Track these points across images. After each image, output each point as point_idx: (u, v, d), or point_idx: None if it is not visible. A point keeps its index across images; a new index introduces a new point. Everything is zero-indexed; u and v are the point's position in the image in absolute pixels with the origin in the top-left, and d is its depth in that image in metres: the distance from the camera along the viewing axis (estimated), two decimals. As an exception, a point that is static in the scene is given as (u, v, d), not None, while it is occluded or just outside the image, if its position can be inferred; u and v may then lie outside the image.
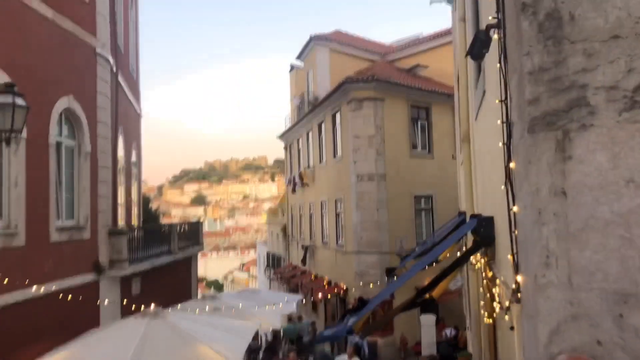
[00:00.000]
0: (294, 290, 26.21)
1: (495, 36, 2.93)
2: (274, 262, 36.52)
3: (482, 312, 5.74)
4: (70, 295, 9.24)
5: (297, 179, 28.05)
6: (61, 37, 10.27)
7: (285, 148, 33.45)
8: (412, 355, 17.86)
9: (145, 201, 25.53)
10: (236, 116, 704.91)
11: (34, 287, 8.35)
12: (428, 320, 15.98)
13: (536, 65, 2.25)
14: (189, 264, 18.38)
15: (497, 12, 2.91)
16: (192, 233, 18.82)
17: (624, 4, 2.11)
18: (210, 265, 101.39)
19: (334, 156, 22.51)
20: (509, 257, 2.91)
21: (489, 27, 2.95)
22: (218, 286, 76.97)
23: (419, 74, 23.82)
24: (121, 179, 14.35)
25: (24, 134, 8.50)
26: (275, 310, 12.40)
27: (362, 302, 9.36)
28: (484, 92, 4.59)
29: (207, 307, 10.64)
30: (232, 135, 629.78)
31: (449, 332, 16.94)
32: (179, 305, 11.67)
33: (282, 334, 18.33)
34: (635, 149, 2.07)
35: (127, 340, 7.33)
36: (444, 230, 11.26)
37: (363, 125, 19.92)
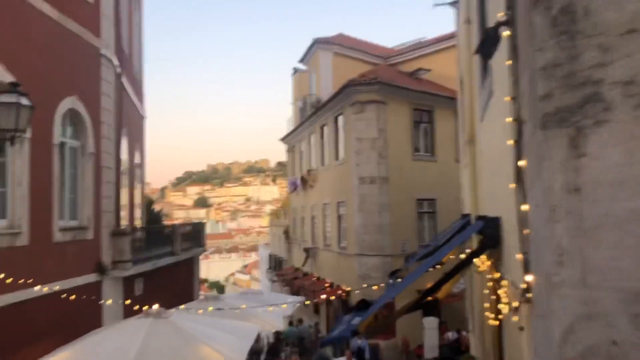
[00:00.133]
0: (295, 292, 26.15)
1: (505, 33, 2.89)
2: (276, 264, 36.47)
3: (487, 314, 5.70)
4: (72, 295, 9.22)
5: (299, 182, 28.02)
6: (66, 38, 10.27)
7: (288, 151, 33.44)
8: (414, 358, 17.79)
9: (148, 203, 25.50)
10: (239, 119, 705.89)
11: (37, 287, 8.34)
12: (431, 323, 15.95)
13: (549, 60, 2.22)
14: (191, 265, 18.36)
15: (508, 8, 2.89)
16: (195, 234, 18.80)
17: (640, -2, 2.08)
18: (212, 267, 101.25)
19: (337, 159, 22.48)
20: (519, 256, 2.88)
21: (499, 24, 2.92)
22: (220, 288, 76.87)
23: (422, 78, 23.79)
24: (124, 180, 14.34)
25: (28, 133, 8.51)
26: (277, 311, 12.36)
27: (365, 303, 9.31)
28: (491, 92, 4.56)
29: (210, 308, 10.59)
30: (234, 138, 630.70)
31: (451, 335, 16.87)
32: (183, 306, 11.64)
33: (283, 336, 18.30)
34: (651, 145, 2.04)
35: (130, 341, 7.30)
36: (447, 233, 11.21)
37: (366, 128, 19.89)
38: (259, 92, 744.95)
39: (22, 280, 8.14)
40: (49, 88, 9.62)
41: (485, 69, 5.68)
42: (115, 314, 11.33)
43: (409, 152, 20.67)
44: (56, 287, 9.01)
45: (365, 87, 19.85)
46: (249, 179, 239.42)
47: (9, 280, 7.83)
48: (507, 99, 3.00)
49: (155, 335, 7.48)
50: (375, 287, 8.04)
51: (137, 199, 17.50)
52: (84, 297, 9.65)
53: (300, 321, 22.71)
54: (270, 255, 39.52)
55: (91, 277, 10.84)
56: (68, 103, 10.26)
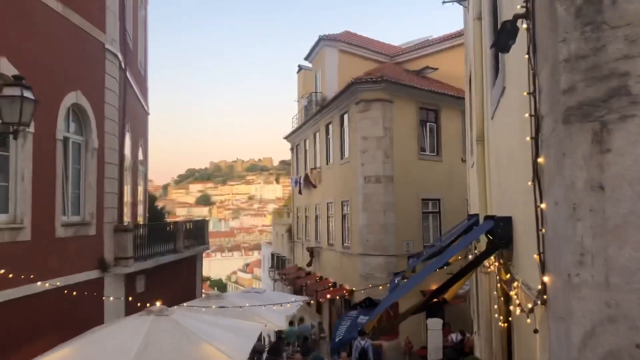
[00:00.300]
0: (298, 291, 26.09)
1: (524, 26, 2.80)
2: (278, 263, 36.41)
3: (495, 315, 5.61)
4: (74, 291, 9.18)
5: (303, 180, 27.94)
6: (70, 32, 10.21)
7: (292, 149, 33.37)
8: (417, 359, 17.70)
9: (151, 200, 25.49)
10: (242, 117, 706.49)
11: (39, 283, 8.29)
12: (435, 324, 15.85)
13: (572, 52, 2.13)
14: (193, 263, 18.31)
15: (526, 1, 2.79)
16: (198, 232, 18.74)
17: (670, -13, 1.99)
18: (214, 265, 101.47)
19: (341, 157, 22.39)
20: (535, 256, 2.78)
21: (517, 16, 2.83)
22: (221, 286, 76.94)
23: (428, 76, 23.68)
24: (128, 176, 14.29)
25: (32, 128, 8.45)
26: (280, 310, 12.29)
27: (370, 301, 9.20)
28: (504, 88, 4.46)
29: (213, 306, 10.53)
30: (237, 136, 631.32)
31: (454, 336, 16.77)
32: (185, 304, 11.58)
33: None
34: (681, 141, 1.95)
35: (131, 338, 7.23)
36: (453, 233, 11.10)
37: (371, 127, 19.79)
38: (263, 89, 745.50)
39: (24, 276, 8.09)
40: (53, 82, 9.56)
41: (496, 65, 5.59)
42: (117, 311, 11.27)
43: (414, 151, 20.57)
44: (58, 282, 8.96)
45: (371, 85, 19.75)
46: (252, 177, 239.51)
47: (10, 275, 7.78)
48: (524, 94, 2.90)
49: (157, 333, 7.41)
50: (380, 287, 7.96)
51: (140, 196, 17.45)
52: (86, 293, 9.61)
53: (301, 320, 22.65)
54: (272, 254, 39.47)
55: (93, 274, 10.79)
56: (72, 98, 10.20)
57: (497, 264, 5.42)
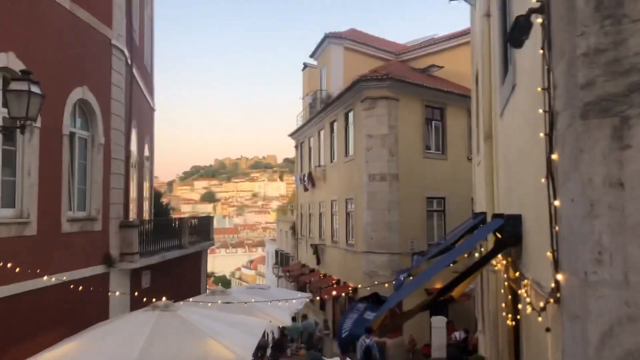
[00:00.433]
0: (302, 288, 26.10)
1: (538, 20, 2.76)
2: (282, 260, 36.45)
3: (503, 314, 5.57)
4: (80, 286, 9.19)
5: (307, 178, 27.91)
6: (77, 27, 10.21)
7: (296, 147, 33.33)
8: (421, 357, 17.66)
9: (156, 196, 25.50)
10: (247, 114, 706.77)
11: (45, 277, 8.30)
12: (439, 322, 15.81)
13: (591, 46, 2.09)
14: (198, 258, 18.33)
15: (542, -6, 2.75)
16: (203, 228, 18.76)
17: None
18: (218, 262, 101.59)
19: (346, 155, 22.34)
20: (548, 254, 2.75)
21: (531, 11, 2.79)
22: (225, 282, 77.06)
23: (434, 75, 23.59)
24: (134, 172, 14.30)
25: (38, 123, 8.46)
26: (284, 307, 12.28)
27: (377, 297, 9.15)
28: (514, 85, 4.42)
29: (218, 301, 10.53)
30: (242, 133, 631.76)
31: (458, 334, 16.73)
32: (191, 299, 11.59)
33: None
34: None
35: (137, 333, 7.23)
36: (458, 232, 11.05)
37: (376, 125, 19.73)
38: (269, 87, 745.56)
39: (30, 270, 8.10)
40: (59, 77, 9.56)
41: (505, 63, 5.54)
42: (122, 306, 11.29)
43: (419, 149, 20.50)
44: (64, 277, 8.97)
45: (376, 83, 19.68)
46: (256, 174, 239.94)
47: (17, 270, 7.79)
48: (538, 89, 2.86)
49: (162, 328, 7.40)
50: (386, 285, 7.92)
51: (146, 192, 17.47)
52: (92, 288, 9.63)
53: (305, 317, 22.66)
54: (276, 251, 39.51)
55: (99, 269, 10.80)
56: (78, 93, 10.20)
57: (504, 262, 5.38)
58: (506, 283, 5.35)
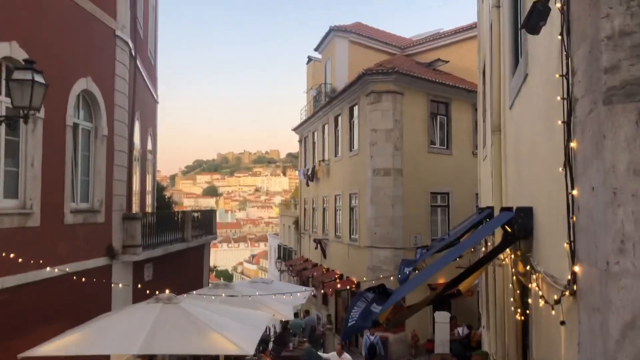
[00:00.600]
0: (304, 283, 26.08)
1: (557, 5, 2.67)
2: (285, 254, 36.45)
3: (512, 308, 5.50)
4: (83, 278, 9.15)
5: (311, 172, 27.83)
6: (81, 18, 10.13)
7: (300, 141, 33.24)
8: (424, 352, 17.65)
9: (158, 189, 25.48)
10: (250, 108, 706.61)
11: (48, 269, 8.26)
12: (443, 317, 15.77)
13: (616, 29, 2.01)
14: (201, 252, 18.30)
15: (561, -22, 2.67)
16: (206, 222, 18.72)
17: None
18: (220, 256, 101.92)
19: (350, 150, 22.24)
20: (565, 245, 2.67)
21: (549, -6, 2.70)
22: (227, 277, 77.19)
23: (439, 69, 23.46)
24: (137, 165, 14.24)
25: (42, 114, 8.40)
26: (287, 301, 12.23)
27: (384, 289, 9.08)
28: (526, 75, 4.33)
29: (223, 294, 10.50)
30: (245, 127, 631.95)
31: (461, 330, 16.70)
32: (195, 292, 11.56)
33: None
34: None
35: (140, 325, 7.20)
36: (463, 226, 10.99)
37: (381, 119, 19.62)
38: (272, 81, 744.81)
39: (33, 261, 8.06)
40: (63, 68, 9.50)
41: (516, 54, 5.45)
42: (125, 298, 11.27)
43: (424, 144, 20.39)
44: (66, 269, 8.93)
45: (382, 77, 19.55)
46: (259, 169, 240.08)
47: (20, 260, 7.75)
48: (557, 76, 2.78)
49: (165, 320, 7.37)
50: (392, 278, 7.86)
51: (149, 185, 17.42)
52: (94, 280, 9.59)
53: (307, 312, 22.65)
54: (279, 246, 39.50)
55: (101, 261, 10.76)
56: (82, 84, 10.14)
57: (512, 256, 5.31)
58: (514, 277, 5.28)
